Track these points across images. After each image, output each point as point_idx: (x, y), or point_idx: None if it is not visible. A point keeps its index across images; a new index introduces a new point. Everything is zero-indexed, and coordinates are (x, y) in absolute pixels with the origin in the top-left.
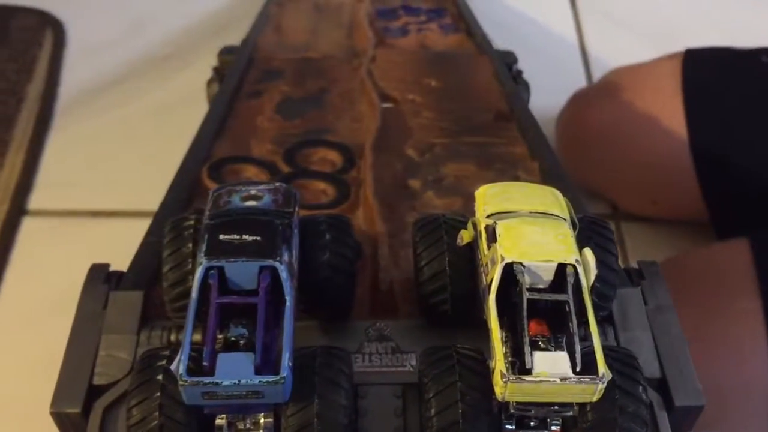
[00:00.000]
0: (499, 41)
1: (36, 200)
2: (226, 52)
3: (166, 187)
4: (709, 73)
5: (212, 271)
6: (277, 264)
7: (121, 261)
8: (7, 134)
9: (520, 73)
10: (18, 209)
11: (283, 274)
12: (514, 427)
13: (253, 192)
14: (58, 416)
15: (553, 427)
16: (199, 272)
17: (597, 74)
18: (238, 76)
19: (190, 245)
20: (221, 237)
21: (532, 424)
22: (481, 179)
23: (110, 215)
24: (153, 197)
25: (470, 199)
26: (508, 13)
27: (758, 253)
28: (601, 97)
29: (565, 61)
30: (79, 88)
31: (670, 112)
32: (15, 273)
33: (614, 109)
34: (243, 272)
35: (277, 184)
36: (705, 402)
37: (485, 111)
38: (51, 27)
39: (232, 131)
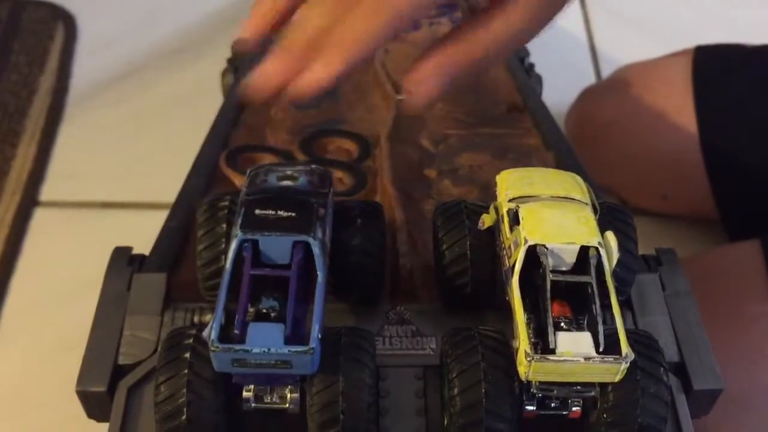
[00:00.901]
0: None
1: (47, 191)
2: None
3: (177, 179)
4: (719, 69)
5: (246, 244)
6: (310, 239)
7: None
8: (19, 126)
9: (532, 66)
10: (30, 200)
11: (316, 250)
12: (535, 407)
13: (289, 172)
14: (83, 395)
15: (574, 408)
16: (234, 244)
17: (606, 70)
18: (252, 67)
19: (224, 226)
20: (257, 212)
21: (553, 404)
22: (495, 169)
23: (121, 206)
24: (164, 189)
25: (486, 189)
26: None
27: None
28: (611, 94)
29: (573, 57)
30: (91, 81)
31: (680, 108)
32: (27, 263)
33: (624, 105)
34: (277, 246)
35: (313, 166)
36: (724, 386)
37: (499, 103)
38: (62, 20)
39: (247, 121)
